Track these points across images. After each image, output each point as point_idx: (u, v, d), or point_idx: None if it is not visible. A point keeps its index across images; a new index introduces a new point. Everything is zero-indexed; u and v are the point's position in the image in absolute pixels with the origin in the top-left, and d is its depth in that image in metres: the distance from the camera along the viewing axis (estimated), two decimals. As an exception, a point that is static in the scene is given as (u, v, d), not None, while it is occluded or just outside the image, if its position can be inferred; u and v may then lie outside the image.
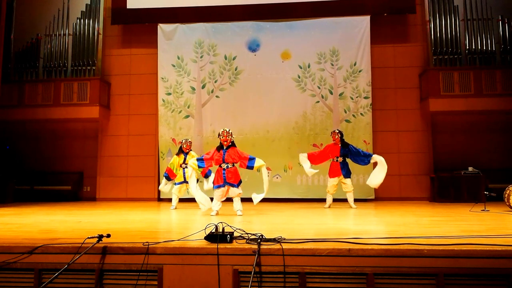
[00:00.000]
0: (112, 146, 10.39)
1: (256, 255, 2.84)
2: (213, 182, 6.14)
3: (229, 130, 6.03)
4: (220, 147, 6.02)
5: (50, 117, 10.05)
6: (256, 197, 6.10)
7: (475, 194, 8.21)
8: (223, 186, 5.91)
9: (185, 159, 7.42)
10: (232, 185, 5.92)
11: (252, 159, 5.96)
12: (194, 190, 5.99)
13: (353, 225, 4.61)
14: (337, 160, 7.73)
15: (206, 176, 7.33)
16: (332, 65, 9.93)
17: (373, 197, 9.47)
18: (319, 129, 9.79)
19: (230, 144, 6.02)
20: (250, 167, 6.01)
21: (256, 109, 9.94)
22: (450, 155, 9.70)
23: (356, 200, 9.23)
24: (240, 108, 10.00)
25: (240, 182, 6.05)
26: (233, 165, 5.99)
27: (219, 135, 6.07)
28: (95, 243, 3.01)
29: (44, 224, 4.74)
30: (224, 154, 5.93)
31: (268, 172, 9.77)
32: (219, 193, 5.93)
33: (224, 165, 5.93)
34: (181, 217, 5.61)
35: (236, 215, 5.86)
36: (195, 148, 10.00)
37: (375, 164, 7.74)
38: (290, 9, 9.95)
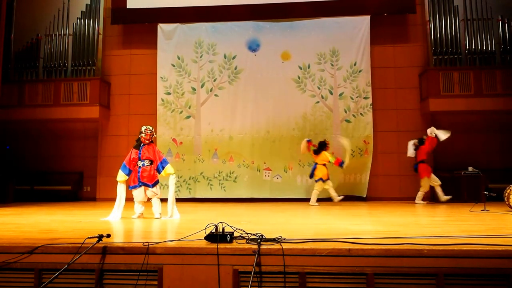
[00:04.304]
0: (112, 146, 10.39)
1: (256, 255, 2.84)
2: (129, 183, 5.63)
3: (152, 129, 5.62)
4: (137, 146, 5.62)
5: (50, 117, 10.05)
6: (171, 213, 5.49)
7: (475, 194, 8.20)
8: (139, 186, 5.51)
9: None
10: (147, 185, 5.50)
11: (164, 163, 5.51)
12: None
13: (353, 225, 4.61)
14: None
15: None
16: (332, 65, 9.94)
17: (364, 195, 9.55)
18: (319, 130, 9.80)
19: (149, 142, 5.62)
20: (159, 170, 5.51)
21: (256, 109, 9.95)
22: (450, 155, 9.69)
23: (355, 199, 9.34)
24: (239, 107, 10.00)
25: (157, 182, 5.58)
26: (150, 164, 5.53)
27: (141, 132, 5.62)
28: (95, 243, 3.01)
29: (44, 224, 4.74)
30: (140, 151, 5.54)
31: (268, 173, 9.81)
32: (136, 194, 5.56)
33: (140, 163, 5.52)
34: (181, 217, 5.60)
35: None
36: (196, 148, 10.03)
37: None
38: (290, 9, 9.95)
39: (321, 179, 8.43)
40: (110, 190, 10.13)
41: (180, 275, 2.96)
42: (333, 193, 8.59)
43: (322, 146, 8.64)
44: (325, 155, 8.48)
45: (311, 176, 8.62)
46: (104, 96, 10.34)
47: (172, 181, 5.52)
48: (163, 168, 5.52)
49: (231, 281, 2.91)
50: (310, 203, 8.39)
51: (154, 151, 5.58)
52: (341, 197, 8.65)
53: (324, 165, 8.51)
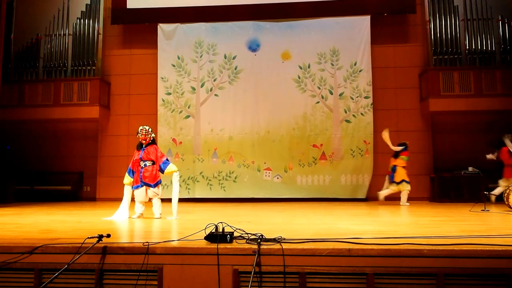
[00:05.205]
0: (112, 146, 10.39)
1: (256, 255, 2.84)
2: (131, 184, 5.70)
3: (148, 129, 5.65)
4: (139, 146, 5.70)
5: (50, 117, 10.05)
6: (173, 214, 5.54)
7: (475, 194, 8.20)
8: (141, 186, 5.57)
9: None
10: (149, 185, 5.55)
11: (166, 163, 5.56)
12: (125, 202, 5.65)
13: (353, 225, 4.61)
14: None
15: None
16: (332, 65, 9.93)
17: (364, 197, 9.50)
18: (319, 130, 9.79)
19: (150, 142, 5.68)
20: (161, 171, 5.56)
21: (256, 109, 9.95)
22: (450, 155, 9.69)
23: (355, 199, 9.29)
24: (240, 107, 10.00)
25: (158, 182, 5.63)
26: (152, 164, 5.58)
27: (137, 132, 5.68)
28: (95, 243, 3.01)
29: (44, 224, 4.74)
30: (142, 152, 5.62)
31: (268, 173, 9.80)
32: (138, 194, 5.60)
33: (142, 163, 5.58)
34: (181, 217, 5.60)
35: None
36: (195, 148, 10.04)
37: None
38: (290, 9, 9.94)
39: (404, 180, 8.22)
40: (110, 190, 10.19)
41: (180, 275, 2.96)
42: (385, 192, 8.43)
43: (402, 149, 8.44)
44: (401, 159, 8.31)
45: (392, 179, 8.36)
46: (104, 96, 10.34)
47: (175, 178, 5.55)
48: (165, 167, 5.56)
49: (231, 281, 2.91)
50: (401, 203, 8.25)
51: (156, 152, 5.64)
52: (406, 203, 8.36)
53: (404, 167, 8.31)
